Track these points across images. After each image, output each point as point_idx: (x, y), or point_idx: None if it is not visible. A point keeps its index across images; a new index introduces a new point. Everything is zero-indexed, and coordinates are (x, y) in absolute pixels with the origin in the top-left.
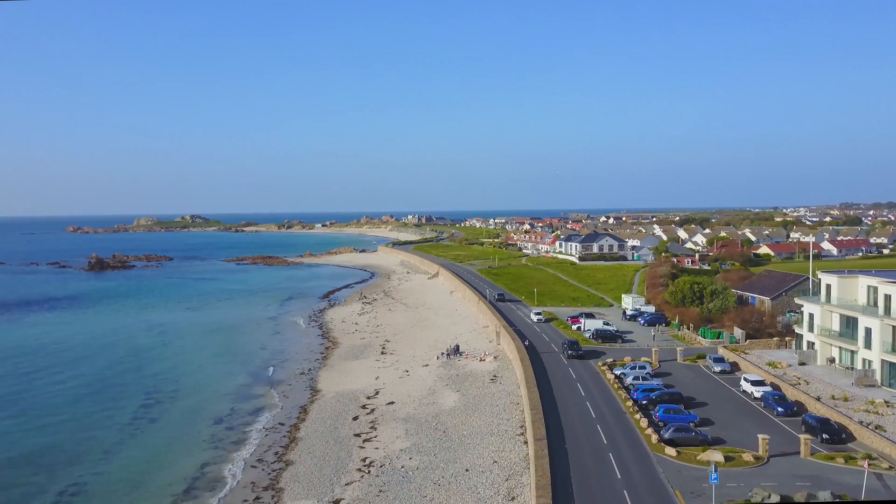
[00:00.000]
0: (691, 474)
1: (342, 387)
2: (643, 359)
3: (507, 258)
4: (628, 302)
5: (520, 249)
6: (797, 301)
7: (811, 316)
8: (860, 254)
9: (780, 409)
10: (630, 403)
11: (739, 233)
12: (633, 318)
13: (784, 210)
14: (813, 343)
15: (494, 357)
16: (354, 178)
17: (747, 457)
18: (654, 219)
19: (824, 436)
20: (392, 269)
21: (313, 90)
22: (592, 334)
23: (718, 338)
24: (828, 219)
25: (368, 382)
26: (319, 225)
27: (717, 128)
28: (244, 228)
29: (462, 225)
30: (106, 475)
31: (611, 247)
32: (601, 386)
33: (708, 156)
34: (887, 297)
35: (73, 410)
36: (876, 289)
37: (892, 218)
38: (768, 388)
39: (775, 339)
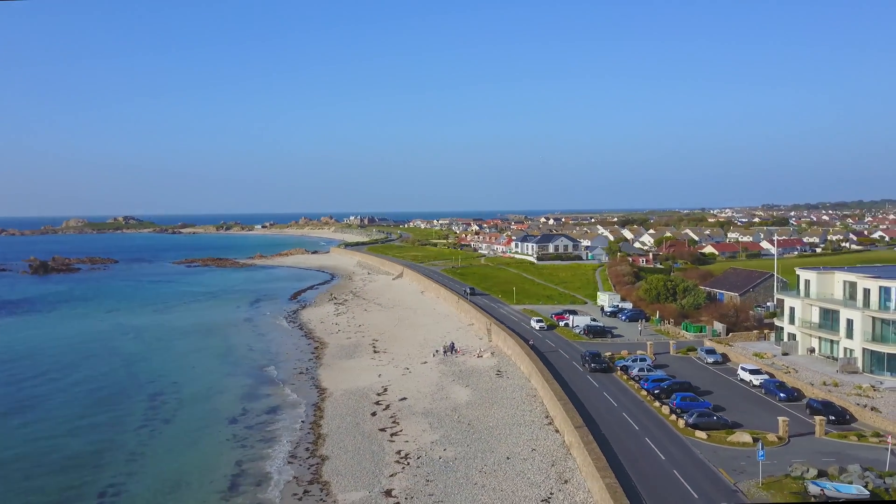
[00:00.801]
0: (726, 454)
1: (348, 385)
2: (639, 352)
3: (467, 258)
4: (604, 299)
5: (475, 250)
6: (777, 296)
7: (791, 309)
8: (796, 252)
9: (781, 394)
10: (644, 393)
11: (682, 233)
12: (614, 314)
13: (711, 211)
14: (794, 334)
15: (491, 353)
16: (291, 179)
17: (771, 437)
18: (593, 220)
19: (830, 417)
20: (351, 271)
21: (247, 90)
22: (583, 330)
23: (701, 332)
24: (756, 219)
25: (372, 380)
26: (259, 226)
27: (644, 132)
28: (181, 230)
29: (406, 226)
30: (140, 476)
31: (566, 247)
32: (610, 378)
33: (635, 158)
34: (866, 291)
35: (81, 416)
36: (855, 284)
37: (815, 219)
38: (765, 377)
39: (755, 331)
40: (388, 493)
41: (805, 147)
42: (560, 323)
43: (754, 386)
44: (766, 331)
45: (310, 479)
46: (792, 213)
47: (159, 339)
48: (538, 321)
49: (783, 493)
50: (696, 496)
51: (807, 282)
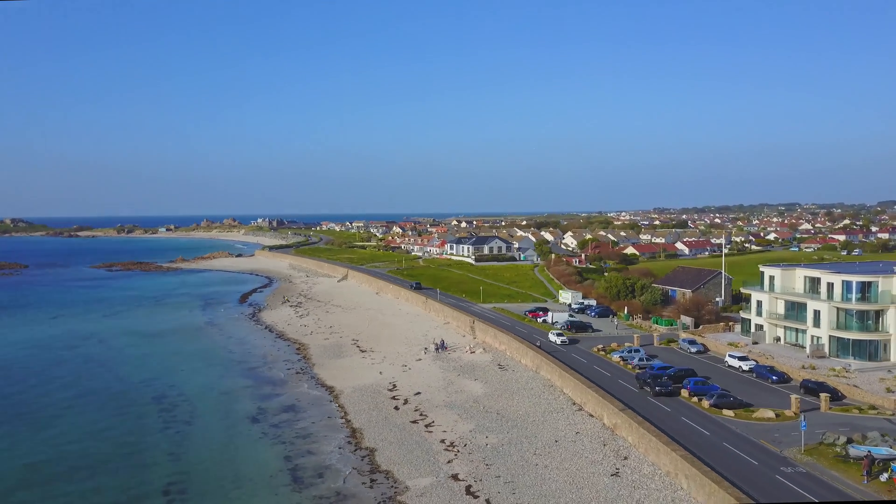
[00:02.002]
0: (758, 428)
1: (354, 382)
2: (627, 344)
3: (406, 260)
4: (567, 297)
5: (408, 252)
6: (743, 291)
7: (759, 303)
8: (706, 253)
9: (773, 377)
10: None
11: (599, 234)
12: (581, 310)
13: (608, 214)
14: (761, 325)
15: (483, 349)
16: (189, 182)
17: (789, 413)
18: (503, 223)
19: (819, 396)
20: (287, 274)
21: (144, 90)
22: (564, 326)
23: (672, 325)
24: (657, 222)
25: (376, 378)
26: (162, 229)
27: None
28: (78, 233)
29: (318, 228)
30: (195, 474)
31: (500, 248)
32: (614, 368)
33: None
34: (830, 285)
35: (95, 421)
36: (818, 279)
37: (708, 221)
38: (753, 363)
39: (721, 324)
40: (454, 477)
41: (689, 154)
42: (538, 320)
43: (744, 371)
44: (730, 323)
45: (369, 468)
46: (684, 216)
47: (128, 343)
48: (557, 334)
49: (827, 457)
50: (755, 463)
51: (771, 277)
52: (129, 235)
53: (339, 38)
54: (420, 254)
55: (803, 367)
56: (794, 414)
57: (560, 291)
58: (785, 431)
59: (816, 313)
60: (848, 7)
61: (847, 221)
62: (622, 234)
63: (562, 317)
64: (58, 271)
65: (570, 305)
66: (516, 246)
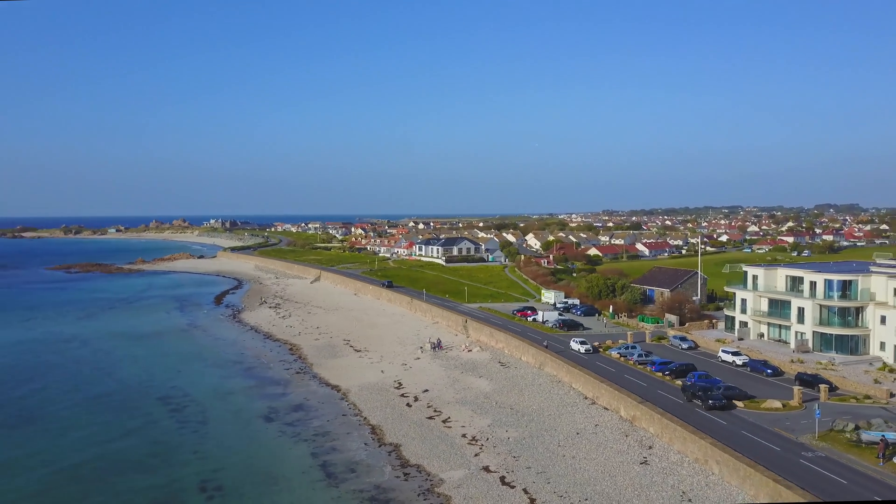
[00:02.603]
0: (769, 418)
1: (358, 381)
2: (620, 341)
3: (376, 262)
4: (550, 296)
5: (375, 253)
6: (726, 289)
7: (743, 301)
8: (666, 254)
9: (768, 371)
10: (659, 374)
11: (561, 235)
12: (567, 309)
13: (559, 216)
14: (745, 322)
15: (480, 348)
16: (134, 181)
17: (794, 403)
18: (460, 224)
19: (817, 388)
20: (255, 275)
21: (85, 88)
22: (557, 324)
23: (658, 323)
24: (610, 224)
25: (379, 376)
26: (112, 230)
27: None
28: (22, 234)
29: (273, 230)
30: (227, 470)
31: (468, 250)
32: (615, 364)
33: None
34: (813, 284)
35: (110, 422)
36: (801, 278)
37: (659, 223)
38: (746, 358)
39: (705, 321)
40: (485, 469)
41: (635, 157)
42: (528, 318)
43: (738, 366)
44: (713, 321)
45: (399, 462)
46: (634, 219)
47: (115, 346)
48: (581, 342)
49: (840, 443)
50: (777, 449)
51: (755, 277)
52: (77, 236)
53: (282, 32)
54: (388, 255)
55: (792, 362)
56: (799, 404)
57: (543, 291)
58: (794, 420)
59: (800, 310)
60: (783, 17)
61: (791, 224)
62: (583, 235)
63: (552, 315)
64: (13, 273)
65: (554, 305)
66: (484, 247)
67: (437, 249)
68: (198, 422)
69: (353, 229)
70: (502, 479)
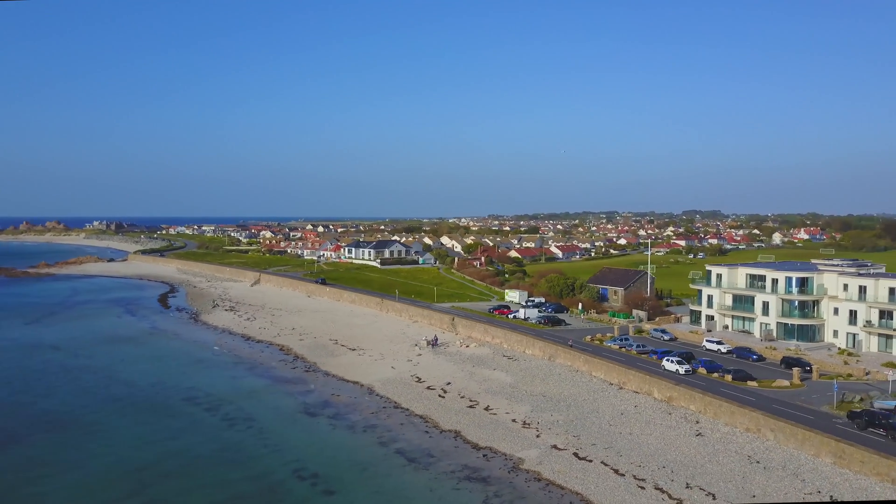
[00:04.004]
0: (783, 394)
1: (375, 377)
2: (608, 335)
3: (307, 264)
4: (515, 295)
5: (298, 256)
6: (692, 286)
7: (710, 297)
8: (577, 256)
9: (754, 356)
10: (664, 361)
11: (474, 238)
12: (536, 307)
13: (449, 220)
14: (712, 316)
15: (477, 344)
16: None
17: (796, 381)
18: (361, 227)
19: (806, 368)
20: (184, 279)
21: None
22: (541, 320)
23: (629, 318)
24: (507, 228)
25: (391, 372)
26: None
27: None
28: None
29: (163, 232)
30: (315, 461)
31: (400, 252)
32: (617, 353)
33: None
34: (774, 281)
35: (151, 425)
36: (763, 276)
37: (552, 226)
38: (728, 346)
39: (671, 315)
40: (554, 447)
41: (517, 163)
42: (509, 316)
43: (723, 353)
44: (677, 315)
45: (470, 446)
46: (521, 223)
47: (93, 352)
48: (678, 362)
49: (857, 410)
50: (811, 417)
51: (718, 275)
52: None
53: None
54: (315, 258)
55: (765, 349)
56: (800, 383)
57: (507, 291)
58: (806, 395)
59: (765, 304)
60: (663, 32)
61: (672, 229)
62: (498, 239)
63: (533, 312)
64: None
65: (525, 303)
66: (414, 250)
67: (370, 252)
68: (243, 419)
69: (260, 232)
70: (576, 454)
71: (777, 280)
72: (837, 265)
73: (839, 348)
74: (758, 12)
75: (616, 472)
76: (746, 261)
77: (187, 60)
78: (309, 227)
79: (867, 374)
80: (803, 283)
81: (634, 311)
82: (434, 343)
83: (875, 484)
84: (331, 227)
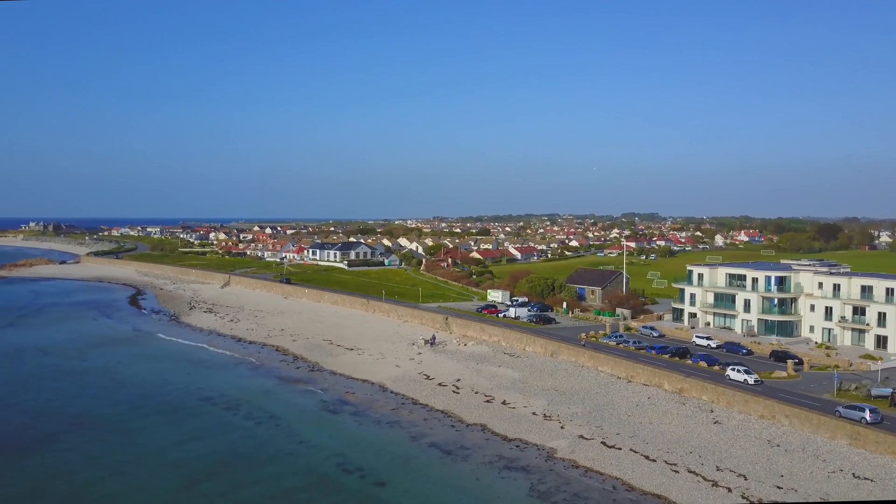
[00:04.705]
0: (783, 384)
1: (383, 375)
2: (601, 332)
3: (274, 267)
4: (497, 295)
5: (260, 258)
6: (674, 285)
7: (692, 295)
8: (535, 258)
9: (743, 351)
10: (666, 356)
11: (444, 241)
12: (521, 306)
13: (394, 221)
14: (694, 314)
15: (475, 342)
16: None
17: (791, 372)
18: (310, 229)
19: (796, 361)
20: (148, 282)
21: None
22: (533, 318)
23: (615, 316)
24: (458, 230)
25: (397, 370)
26: None
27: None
28: None
29: (107, 233)
30: (348, 455)
31: (365, 254)
32: (616, 350)
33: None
34: (754, 280)
35: (173, 425)
36: (744, 275)
37: (501, 228)
38: (717, 341)
39: (654, 314)
40: (581, 437)
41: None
42: (499, 315)
43: (713, 348)
44: (661, 313)
45: (499, 438)
46: (469, 225)
47: (83, 355)
48: (746, 371)
49: (855, 398)
50: (818, 404)
51: (700, 275)
52: None
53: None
54: (278, 259)
55: (751, 343)
56: (796, 374)
57: (489, 291)
58: (805, 385)
59: (746, 301)
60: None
61: (617, 231)
62: (457, 241)
63: (523, 311)
64: None
65: (511, 303)
66: (379, 252)
67: (335, 254)
68: (268, 418)
69: (209, 234)
70: (604, 443)
71: (757, 279)
72: (811, 265)
73: (816, 342)
74: (686, 18)
75: (647, 458)
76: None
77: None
78: (256, 228)
79: (850, 364)
80: (781, 282)
81: (618, 310)
82: (432, 342)
83: (891, 462)
84: (279, 228)
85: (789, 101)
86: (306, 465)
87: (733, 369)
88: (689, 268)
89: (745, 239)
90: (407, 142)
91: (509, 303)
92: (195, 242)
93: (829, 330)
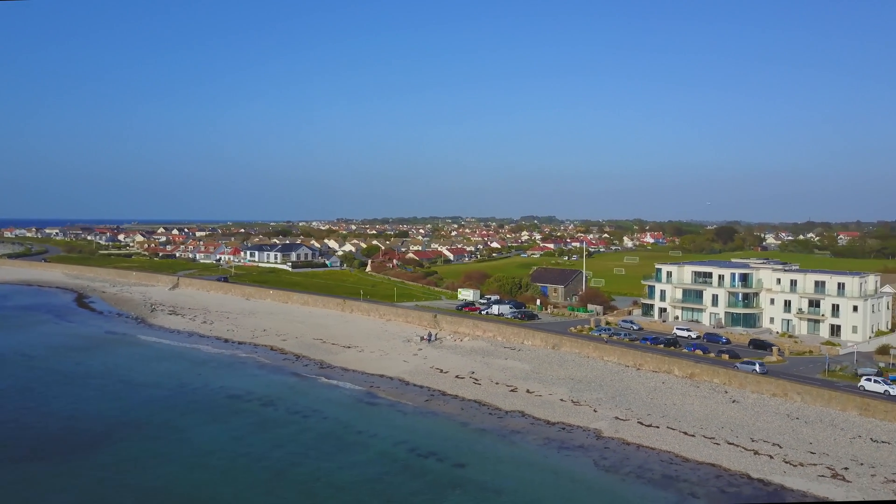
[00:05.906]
0: (777, 367)
1: (396, 370)
2: (587, 326)
3: (212, 268)
4: (468, 294)
5: (192, 260)
6: (643, 282)
7: (662, 291)
8: (467, 258)
9: (723, 340)
10: (661, 346)
11: (374, 243)
12: (496, 303)
13: (298, 223)
14: (664, 308)
15: (471, 338)
16: None
17: (779, 357)
18: (218, 230)
19: (771, 348)
20: (83, 284)
21: None
22: (517, 315)
23: (589, 312)
24: (373, 231)
25: (406, 365)
26: None
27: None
28: None
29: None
30: (411, 442)
31: (307, 255)
32: (611, 342)
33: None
34: (721, 276)
35: (213, 422)
36: (710, 272)
37: (419, 230)
38: (695, 332)
39: (626, 308)
40: (617, 418)
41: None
42: (481, 312)
43: (694, 339)
44: (628, 308)
45: (543, 421)
46: (378, 227)
47: (81, 358)
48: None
49: (844, 378)
50: (817, 385)
51: (668, 273)
52: None
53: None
54: (213, 261)
55: (726, 334)
56: (783, 358)
57: (460, 289)
58: (795, 367)
59: (714, 296)
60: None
61: (526, 233)
62: (388, 242)
63: (506, 308)
64: None
65: (488, 300)
66: (319, 253)
67: (276, 255)
68: (312, 411)
69: (120, 235)
70: (640, 422)
71: (723, 276)
72: (766, 263)
73: (778, 332)
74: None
75: (685, 433)
76: (614, 261)
77: None
78: (161, 229)
79: (821, 350)
80: (745, 279)
81: (590, 306)
82: (429, 338)
83: None
84: (186, 229)
85: (669, 110)
86: (379, 452)
87: (868, 379)
88: (657, 266)
89: (651, 241)
90: (305, 145)
91: (483, 301)
92: (109, 244)
93: (789, 321)
